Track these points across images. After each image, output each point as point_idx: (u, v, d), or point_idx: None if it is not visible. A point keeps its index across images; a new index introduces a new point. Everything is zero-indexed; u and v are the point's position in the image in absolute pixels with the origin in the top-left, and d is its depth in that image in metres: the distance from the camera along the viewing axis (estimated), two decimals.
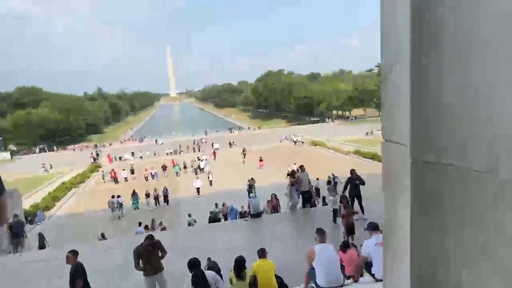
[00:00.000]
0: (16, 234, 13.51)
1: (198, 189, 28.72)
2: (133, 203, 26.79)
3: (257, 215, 12.37)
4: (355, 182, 12.04)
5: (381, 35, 1.63)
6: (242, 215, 14.69)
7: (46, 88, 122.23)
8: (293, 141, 57.57)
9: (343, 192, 12.20)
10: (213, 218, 15.80)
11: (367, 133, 59.04)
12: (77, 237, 20.06)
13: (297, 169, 27.90)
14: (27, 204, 28.44)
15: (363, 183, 12.06)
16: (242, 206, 14.18)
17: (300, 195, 12.89)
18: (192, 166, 39.33)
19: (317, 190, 26.21)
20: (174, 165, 39.18)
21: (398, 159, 1.50)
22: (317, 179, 26.82)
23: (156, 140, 73.60)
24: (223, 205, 17.72)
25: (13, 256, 12.31)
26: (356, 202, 11.66)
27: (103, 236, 16.09)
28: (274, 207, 16.20)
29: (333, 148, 46.86)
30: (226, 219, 16.35)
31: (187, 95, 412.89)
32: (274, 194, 16.61)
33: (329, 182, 25.82)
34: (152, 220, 19.29)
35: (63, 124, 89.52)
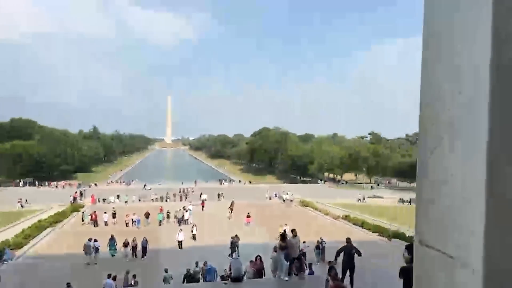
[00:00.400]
0: None
1: (180, 242, 27.53)
2: (110, 249, 25.50)
3: (238, 279, 11.54)
4: (350, 251, 11.34)
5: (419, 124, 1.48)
6: (223, 277, 13.76)
7: (42, 122, 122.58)
8: (283, 199, 56.82)
9: (335, 259, 11.52)
10: (190, 278, 14.85)
11: (359, 199, 58.56)
12: (41, 285, 18.59)
13: (287, 231, 27.18)
14: None
15: (359, 253, 11.40)
16: (225, 270, 13.21)
17: (288, 262, 12.02)
18: (175, 216, 38.02)
19: (304, 254, 25.22)
20: (159, 213, 37.93)
21: (436, 267, 1.26)
22: (304, 242, 25.89)
23: (145, 185, 72.27)
24: (204, 264, 16.60)
25: None
26: (347, 274, 10.93)
27: (68, 287, 14.84)
28: (258, 271, 15.23)
29: (323, 211, 46.11)
30: (204, 279, 15.32)
31: (182, 142, 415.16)
32: (259, 256, 15.66)
33: (317, 247, 24.91)
34: (126, 272, 18.09)
35: (50, 159, 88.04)
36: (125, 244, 25.30)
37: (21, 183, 77.30)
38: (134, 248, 25.04)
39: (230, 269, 11.81)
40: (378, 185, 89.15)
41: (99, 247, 24.67)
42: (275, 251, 15.40)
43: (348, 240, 11.69)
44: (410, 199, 58.35)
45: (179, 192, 60.96)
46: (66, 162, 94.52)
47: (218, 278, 15.25)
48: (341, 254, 11.31)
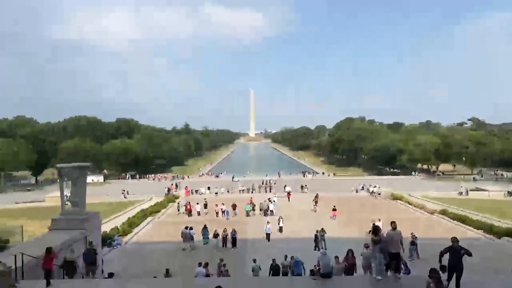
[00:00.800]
0: (89, 262, 13.73)
1: (268, 234, 27.81)
2: (203, 238, 27.26)
3: (328, 275, 11.20)
4: (458, 252, 9.98)
5: None
6: (312, 271, 13.49)
7: (141, 121, 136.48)
8: (369, 191, 54.23)
9: (439, 261, 10.34)
10: (276, 269, 15.06)
11: (460, 192, 52.88)
12: (145, 268, 20.56)
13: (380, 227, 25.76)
14: (108, 227, 30.62)
15: (469, 254, 9.94)
16: (314, 266, 12.80)
17: (386, 258, 10.93)
18: (260, 209, 38.77)
19: (415, 244, 23.38)
20: (247, 204, 39.08)
21: None
22: (413, 234, 24.28)
23: (233, 177, 75.39)
24: (291, 258, 16.49)
25: (82, 281, 12.89)
26: (453, 277, 9.65)
27: (167, 272, 16.15)
28: (350, 266, 14.50)
29: (416, 204, 42.75)
30: (292, 273, 15.27)
31: (265, 135, 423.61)
32: (351, 250, 14.84)
33: (412, 243, 22.99)
34: (220, 259, 19.06)
35: (148, 154, 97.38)
36: (216, 235, 26.51)
37: (127, 176, 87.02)
38: (224, 239, 26.10)
39: (318, 264, 11.51)
40: (482, 176, 79.50)
41: (194, 235, 26.45)
42: (366, 248, 14.66)
43: (455, 239, 10.32)
44: None
45: (263, 184, 62.23)
46: (161, 157, 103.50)
47: (307, 272, 15.06)
48: (446, 255, 10.08)
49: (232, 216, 36.72)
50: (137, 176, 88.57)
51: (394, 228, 11.37)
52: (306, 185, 59.62)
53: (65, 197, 16.05)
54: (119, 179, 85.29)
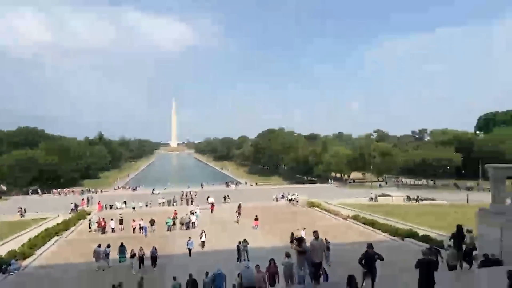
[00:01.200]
0: None
1: (190, 249, 26.83)
2: (120, 256, 25.28)
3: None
4: (372, 257, 10.59)
5: None
6: (234, 286, 13.12)
7: (48, 131, 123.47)
8: (288, 200, 56.31)
9: (363, 267, 10.73)
10: (194, 285, 14.55)
11: (371, 198, 57.70)
12: None
13: (303, 235, 26.39)
14: (4, 250, 26.63)
15: (381, 258, 10.71)
16: (236, 278, 12.46)
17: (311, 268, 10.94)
18: (181, 223, 37.32)
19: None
20: (168, 218, 37.36)
21: None
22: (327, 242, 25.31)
23: (153, 190, 71.94)
24: (212, 274, 15.84)
25: None
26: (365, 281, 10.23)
27: None
28: (272, 275, 14.44)
29: (331, 211, 45.41)
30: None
31: (187, 146, 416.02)
32: (273, 259, 14.77)
33: (327, 248, 24.14)
34: (140, 277, 17.92)
35: (56, 167, 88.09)
36: (132, 255, 23.82)
37: (29, 192, 77.46)
38: (141, 258, 23.73)
39: (241, 278, 11.23)
40: (386, 183, 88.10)
41: (110, 252, 24.61)
42: (288, 257, 14.84)
43: (369, 246, 10.99)
44: (417, 196, 57.55)
45: (184, 196, 60.51)
46: (72, 169, 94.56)
47: (229, 286, 14.65)
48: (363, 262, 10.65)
49: (150, 232, 34.72)
50: (39, 191, 79.27)
51: (317, 238, 11.48)
52: (228, 196, 59.53)
53: None
54: (18, 195, 75.43)
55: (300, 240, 11.39)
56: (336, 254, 23.20)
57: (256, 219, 36.51)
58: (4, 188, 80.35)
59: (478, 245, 15.10)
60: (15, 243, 29.45)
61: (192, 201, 56.24)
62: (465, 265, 14.33)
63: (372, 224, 35.63)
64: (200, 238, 29.09)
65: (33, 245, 29.14)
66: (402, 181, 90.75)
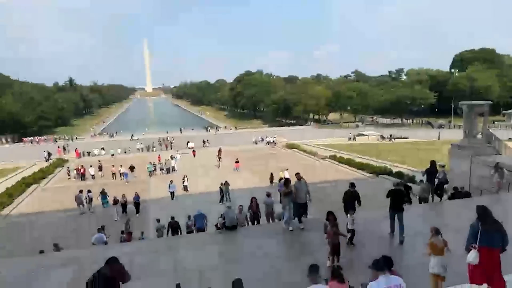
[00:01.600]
0: None
1: (172, 193, 27.05)
2: (103, 202, 25.39)
3: (233, 228, 11.31)
4: (353, 194, 11.31)
5: None
6: (217, 226, 13.46)
7: (13, 76, 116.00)
8: (267, 142, 57.05)
9: (344, 206, 11.19)
10: (175, 228, 14.99)
11: (349, 138, 59.23)
12: (27, 245, 18.26)
13: (287, 176, 26.95)
14: None
15: (359, 202, 11.36)
16: (219, 218, 12.83)
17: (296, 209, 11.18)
18: (161, 168, 37.47)
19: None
20: (150, 164, 37.13)
21: None
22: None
23: (132, 136, 70.69)
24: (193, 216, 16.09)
25: None
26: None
27: (56, 247, 14.42)
28: (255, 214, 14.96)
29: (309, 152, 46.47)
30: (195, 226, 15.00)
31: (164, 90, 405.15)
32: (254, 197, 15.23)
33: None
34: (127, 220, 18.34)
35: (26, 115, 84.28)
36: (115, 201, 23.53)
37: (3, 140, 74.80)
38: (123, 205, 23.50)
39: (224, 219, 11.48)
40: (363, 123, 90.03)
41: (92, 197, 24.87)
42: (268, 196, 15.23)
43: (351, 185, 11.45)
44: (390, 135, 59.46)
45: (161, 141, 60.21)
46: (43, 117, 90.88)
47: (209, 226, 15.02)
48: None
49: (131, 178, 34.62)
50: (8, 140, 76.39)
51: (299, 179, 11.58)
52: (208, 140, 59.64)
53: None
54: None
55: (287, 182, 11.52)
56: (315, 191, 24.04)
57: (237, 161, 36.98)
58: None
59: (449, 178, 15.85)
60: None
61: (171, 147, 56.07)
62: (436, 198, 15.13)
63: (349, 163, 36.86)
64: (183, 183, 29.18)
65: (11, 193, 28.73)
66: (377, 121, 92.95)
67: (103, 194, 25.57)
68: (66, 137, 77.18)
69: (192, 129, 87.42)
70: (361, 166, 34.77)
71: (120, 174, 35.13)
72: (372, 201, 17.62)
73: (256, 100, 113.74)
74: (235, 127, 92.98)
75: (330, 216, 8.52)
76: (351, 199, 11.25)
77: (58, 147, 57.62)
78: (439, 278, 6.47)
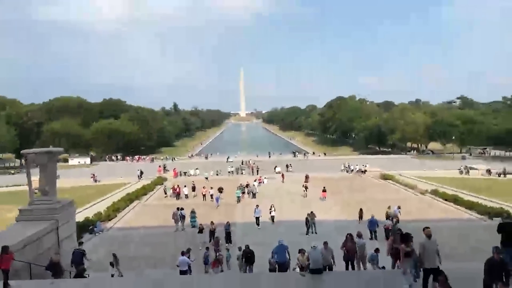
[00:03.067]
0: (77, 263, 13.49)
1: (257, 218, 26.04)
2: (191, 221, 26.76)
3: (318, 271, 10.21)
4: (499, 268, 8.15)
5: None
6: (301, 268, 12.34)
7: (129, 102, 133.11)
8: (361, 171, 53.92)
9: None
10: (249, 257, 14.44)
11: (461, 171, 51.99)
12: (125, 256, 19.53)
13: (395, 211, 24.97)
14: (92, 212, 29.46)
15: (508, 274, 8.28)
16: (297, 259, 11.48)
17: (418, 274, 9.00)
18: (248, 191, 37.49)
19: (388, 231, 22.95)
20: (238, 189, 36.87)
21: None
22: (390, 218, 23.95)
23: (228, 158, 73.97)
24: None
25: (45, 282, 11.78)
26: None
27: (114, 257, 15.57)
28: (351, 253, 13.06)
29: (406, 184, 42.37)
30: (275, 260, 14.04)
31: (256, 115, 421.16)
32: (350, 234, 13.47)
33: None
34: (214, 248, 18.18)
35: (136, 136, 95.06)
36: (200, 230, 22.15)
37: (114, 158, 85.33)
38: (212, 232, 21.95)
39: (308, 259, 10.53)
40: (471, 154, 79.90)
41: (185, 216, 26.45)
42: (359, 236, 13.74)
43: (496, 249, 8.36)
44: (504, 169, 50.08)
45: (243, 164, 61.41)
46: (150, 138, 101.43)
47: (293, 260, 13.89)
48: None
49: (220, 202, 34.30)
50: (118, 157, 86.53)
51: (429, 236, 9.22)
52: (290, 165, 59.76)
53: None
54: (106, 160, 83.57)
55: (407, 238, 9.41)
56: (415, 234, 21.32)
57: (324, 190, 35.46)
58: (93, 154, 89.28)
59: None
60: (101, 205, 32.50)
61: (257, 171, 55.95)
62: None
63: (455, 200, 32.41)
64: (270, 213, 27.24)
65: (117, 208, 31.77)
66: (489, 153, 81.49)
67: (192, 213, 26.96)
68: (167, 157, 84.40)
69: (280, 154, 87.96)
70: (470, 205, 30.23)
71: (210, 195, 36.28)
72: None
73: (348, 126, 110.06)
74: (324, 153, 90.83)
75: (441, 274, 6.91)
76: (497, 269, 8.16)
77: (159, 166, 62.98)
78: None
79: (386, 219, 24.67)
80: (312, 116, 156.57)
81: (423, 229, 9.50)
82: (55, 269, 12.21)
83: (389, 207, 26.21)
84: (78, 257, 13.58)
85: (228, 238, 22.24)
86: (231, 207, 32.94)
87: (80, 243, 15.27)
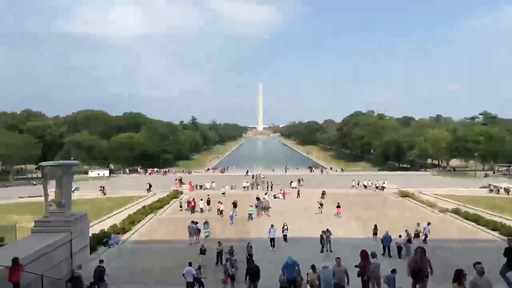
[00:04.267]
0: (98, 279, 14.34)
1: (272, 240, 24.55)
2: (205, 231, 27.78)
3: None
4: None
5: None
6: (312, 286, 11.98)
7: (149, 115, 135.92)
8: (378, 187, 52.88)
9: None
10: (255, 273, 14.25)
11: (490, 189, 49.80)
12: (138, 271, 19.52)
13: (425, 229, 24.81)
14: (107, 224, 29.80)
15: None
16: (307, 276, 11.16)
17: None
18: (262, 207, 36.18)
19: (400, 248, 22.77)
20: (251, 206, 35.25)
21: None
22: (400, 236, 23.58)
23: (247, 172, 74.12)
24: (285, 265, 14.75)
25: None
26: None
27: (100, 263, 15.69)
28: (365, 275, 12.25)
29: (426, 202, 41.16)
30: (283, 273, 13.81)
31: (273, 129, 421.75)
32: (365, 251, 12.71)
33: (409, 241, 22.31)
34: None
35: (155, 148, 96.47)
36: (203, 251, 20.52)
37: (127, 171, 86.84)
38: (219, 254, 20.51)
39: (319, 279, 10.19)
40: (494, 172, 77.27)
41: (200, 228, 27.01)
42: (374, 257, 13.23)
43: (480, 268, 8.47)
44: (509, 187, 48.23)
45: (252, 179, 61.21)
46: (167, 151, 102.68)
47: (303, 275, 13.55)
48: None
49: (234, 215, 33.54)
50: (127, 171, 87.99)
51: (482, 273, 8.53)
52: (302, 179, 60.05)
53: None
54: (127, 173, 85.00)
55: (460, 275, 8.64)
56: (434, 254, 20.47)
57: (338, 206, 34.80)
58: (113, 167, 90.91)
59: None
60: (117, 218, 32.87)
61: (272, 188, 54.88)
62: None
63: (476, 220, 31.19)
64: (283, 232, 25.99)
65: (132, 221, 32.02)
66: None
67: (206, 223, 27.90)
68: (184, 171, 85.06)
69: (297, 168, 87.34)
70: (494, 226, 29.01)
71: (220, 211, 35.84)
72: None
73: (366, 142, 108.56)
74: (342, 169, 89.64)
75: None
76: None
77: (176, 179, 63.40)
78: None
79: (414, 237, 24.02)
80: (329, 130, 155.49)
81: (474, 265, 8.77)
82: (75, 283, 12.74)
83: (418, 224, 25.65)
84: (99, 274, 14.39)
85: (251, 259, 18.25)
86: (245, 223, 32.41)
87: (101, 261, 15.70)
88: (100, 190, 52.05)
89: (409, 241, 22.42)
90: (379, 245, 22.28)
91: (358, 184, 56.85)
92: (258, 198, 38.28)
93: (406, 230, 23.55)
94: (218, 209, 36.64)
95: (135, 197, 47.07)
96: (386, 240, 22.40)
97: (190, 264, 15.93)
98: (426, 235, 24.72)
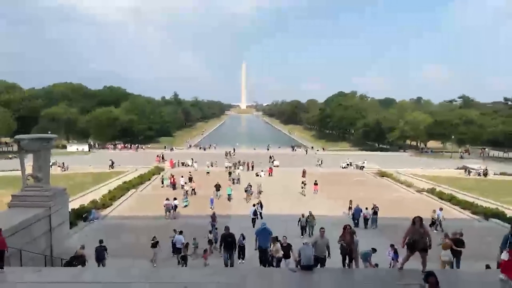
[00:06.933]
0: (100, 258, 15.62)
1: (253, 219, 24.34)
2: (184, 201, 29.87)
3: (309, 267, 10.09)
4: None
5: None
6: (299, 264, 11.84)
7: (130, 90, 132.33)
8: (359, 167, 54.04)
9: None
10: (230, 242, 15.23)
11: (478, 173, 49.52)
12: (119, 245, 19.49)
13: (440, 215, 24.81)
14: (88, 199, 29.42)
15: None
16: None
17: None
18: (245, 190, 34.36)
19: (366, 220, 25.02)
20: (229, 187, 35.00)
21: None
22: (367, 208, 25.47)
23: (233, 149, 73.70)
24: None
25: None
26: None
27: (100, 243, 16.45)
28: (348, 249, 11.24)
29: (403, 182, 42.41)
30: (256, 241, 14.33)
31: (256, 108, 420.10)
32: (348, 225, 11.87)
33: (374, 213, 23.27)
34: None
35: (136, 124, 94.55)
36: (185, 245, 18.10)
37: (112, 146, 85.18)
38: (210, 242, 19.11)
39: (299, 255, 10.40)
40: (469, 154, 79.84)
41: (177, 205, 27.62)
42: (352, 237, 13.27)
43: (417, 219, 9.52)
44: (486, 168, 49.98)
45: (226, 155, 62.05)
46: (149, 128, 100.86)
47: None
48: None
49: (217, 198, 32.33)
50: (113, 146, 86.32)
51: (322, 236, 9.57)
52: (273, 156, 61.51)
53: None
54: (105, 149, 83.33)
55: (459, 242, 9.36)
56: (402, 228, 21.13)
57: (316, 183, 35.45)
58: (91, 142, 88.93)
59: None
60: (97, 193, 32.48)
61: (252, 167, 53.65)
62: None
63: (450, 199, 32.48)
64: (256, 210, 25.29)
65: (113, 196, 31.74)
66: (488, 154, 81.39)
67: (185, 195, 30.63)
68: (166, 147, 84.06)
69: (279, 147, 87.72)
70: (465, 205, 30.29)
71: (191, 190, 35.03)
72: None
73: (347, 122, 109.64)
74: (323, 148, 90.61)
75: (430, 277, 6.74)
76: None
77: (157, 155, 62.72)
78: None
79: (431, 225, 23.32)
80: (312, 110, 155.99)
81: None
82: (79, 260, 13.46)
83: (434, 211, 25.17)
84: (101, 253, 15.68)
85: (242, 253, 17.08)
86: (223, 204, 31.45)
87: (101, 241, 16.24)
88: (60, 166, 48.90)
89: (375, 213, 24.92)
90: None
91: (349, 165, 56.65)
92: (250, 185, 34.69)
93: (374, 204, 25.51)
94: (193, 189, 35.20)
95: (120, 172, 46.45)
96: (356, 212, 25.04)
97: (181, 233, 17.94)
98: (440, 222, 24.07)
